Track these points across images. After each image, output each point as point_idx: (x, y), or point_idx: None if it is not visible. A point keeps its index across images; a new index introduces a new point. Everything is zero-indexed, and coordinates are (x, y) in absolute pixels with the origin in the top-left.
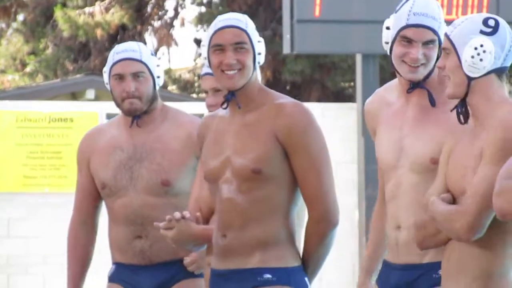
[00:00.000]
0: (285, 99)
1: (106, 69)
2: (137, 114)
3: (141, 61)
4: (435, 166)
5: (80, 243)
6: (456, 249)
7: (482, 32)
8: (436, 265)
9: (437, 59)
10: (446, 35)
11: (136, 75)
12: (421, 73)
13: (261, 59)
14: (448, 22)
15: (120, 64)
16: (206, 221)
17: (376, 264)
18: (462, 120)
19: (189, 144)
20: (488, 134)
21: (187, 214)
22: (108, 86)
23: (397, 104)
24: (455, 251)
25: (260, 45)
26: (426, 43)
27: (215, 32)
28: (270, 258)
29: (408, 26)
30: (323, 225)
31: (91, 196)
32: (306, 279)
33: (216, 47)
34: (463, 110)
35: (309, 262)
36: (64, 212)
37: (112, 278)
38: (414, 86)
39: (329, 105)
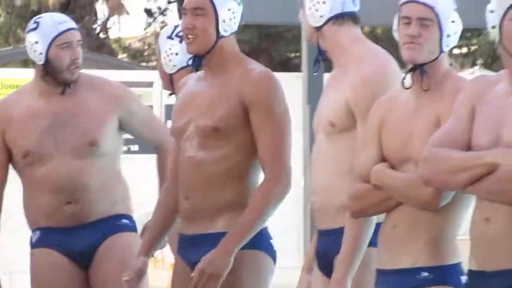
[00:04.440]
0: (255, 65)
1: (42, 40)
2: (74, 82)
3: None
4: (333, 128)
5: None
6: (406, 215)
7: None
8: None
9: None
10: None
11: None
12: None
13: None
14: None
15: (70, 33)
16: None
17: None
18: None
19: (110, 105)
20: (446, 100)
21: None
22: (41, 57)
23: None
24: (405, 218)
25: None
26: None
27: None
28: (235, 223)
29: None
30: (272, 183)
31: (2, 170)
32: (271, 241)
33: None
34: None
35: (245, 216)
36: None
37: (38, 244)
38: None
39: (276, 74)
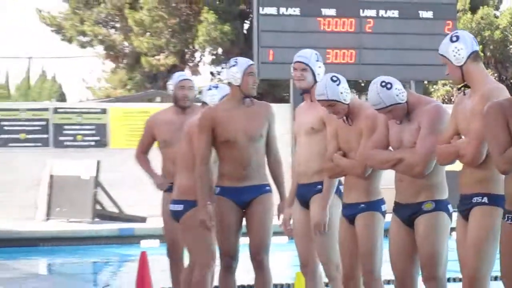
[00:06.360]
0: (266, 103)
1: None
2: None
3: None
4: (313, 130)
5: None
6: (353, 178)
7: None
8: (319, 183)
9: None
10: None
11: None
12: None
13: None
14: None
15: (184, 82)
16: None
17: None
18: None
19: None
20: (364, 120)
21: None
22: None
23: None
24: (352, 179)
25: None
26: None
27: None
28: (266, 177)
29: None
30: (278, 161)
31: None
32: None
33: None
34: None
35: (280, 182)
36: None
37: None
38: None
39: (277, 104)
